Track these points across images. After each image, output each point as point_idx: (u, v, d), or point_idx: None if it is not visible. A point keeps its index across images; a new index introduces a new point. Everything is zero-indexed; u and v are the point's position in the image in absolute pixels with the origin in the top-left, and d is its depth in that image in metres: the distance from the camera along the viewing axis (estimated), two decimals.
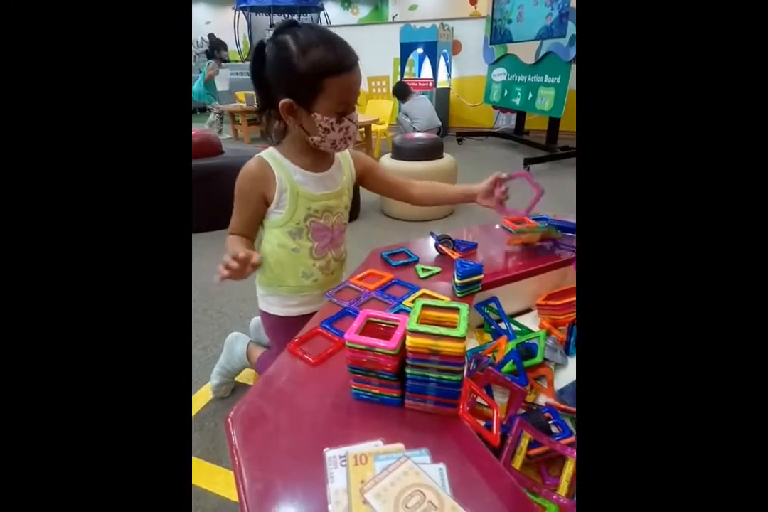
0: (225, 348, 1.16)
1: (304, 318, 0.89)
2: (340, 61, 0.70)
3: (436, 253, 0.96)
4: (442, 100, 4.99)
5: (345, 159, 0.92)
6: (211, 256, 2.29)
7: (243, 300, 1.88)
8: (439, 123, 4.18)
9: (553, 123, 4.11)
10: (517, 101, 4.24)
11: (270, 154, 0.82)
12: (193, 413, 1.12)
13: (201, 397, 1.15)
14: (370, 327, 0.57)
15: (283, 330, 0.94)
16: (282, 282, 0.91)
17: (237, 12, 9.40)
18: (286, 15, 9.67)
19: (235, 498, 0.87)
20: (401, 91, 4.14)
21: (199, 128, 4.27)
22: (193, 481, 0.92)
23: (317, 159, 0.84)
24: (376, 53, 5.44)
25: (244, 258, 0.65)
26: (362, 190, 2.53)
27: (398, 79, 5.01)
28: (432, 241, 0.98)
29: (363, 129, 3.85)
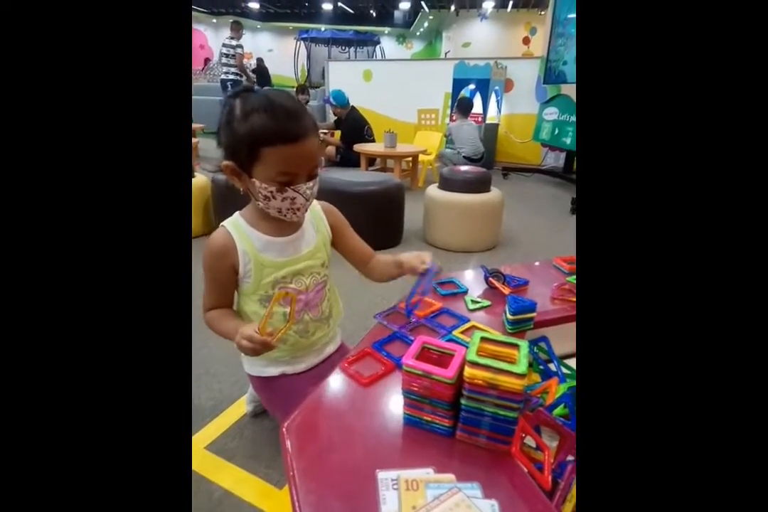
0: None
1: (287, 377, 0.87)
2: (280, 130, 0.65)
3: (485, 286, 0.97)
4: (491, 134, 5.06)
5: (315, 214, 0.85)
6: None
7: None
8: (483, 149, 4.25)
9: None
10: (568, 141, 4.25)
11: (234, 222, 0.78)
12: (233, 421, 1.13)
13: (240, 406, 1.18)
14: (424, 354, 0.58)
15: (267, 389, 0.91)
16: None
17: (298, 42, 10.06)
18: (344, 47, 10.27)
19: (270, 509, 0.88)
20: (465, 105, 4.26)
21: None
22: (232, 490, 0.93)
23: (281, 221, 0.76)
24: (427, 86, 5.63)
25: (261, 341, 0.63)
26: (406, 217, 2.58)
27: (448, 113, 5.15)
28: (481, 273, 0.99)
29: (410, 158, 3.96)
